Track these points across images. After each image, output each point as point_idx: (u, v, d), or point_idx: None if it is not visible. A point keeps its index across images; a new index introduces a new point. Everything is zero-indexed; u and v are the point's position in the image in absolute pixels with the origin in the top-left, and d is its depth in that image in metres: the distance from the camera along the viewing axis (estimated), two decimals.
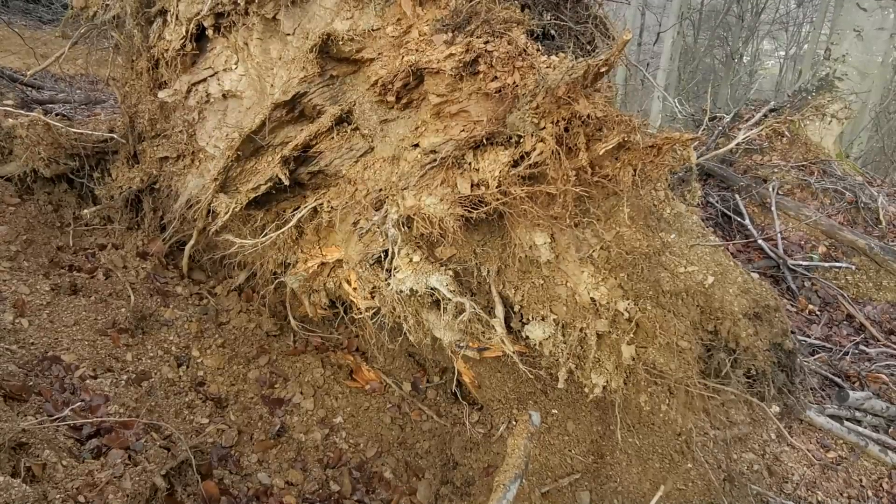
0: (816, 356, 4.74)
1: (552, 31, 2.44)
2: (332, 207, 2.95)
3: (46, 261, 3.39)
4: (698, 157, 6.56)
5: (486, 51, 2.23)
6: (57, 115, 3.98)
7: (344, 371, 3.64)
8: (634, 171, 2.09)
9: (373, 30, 2.58)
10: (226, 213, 2.99)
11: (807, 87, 6.68)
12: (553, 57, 2.25)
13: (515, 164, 2.22)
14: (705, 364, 2.26)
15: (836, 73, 6.43)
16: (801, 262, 5.49)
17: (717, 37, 24.47)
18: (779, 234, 5.75)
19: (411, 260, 2.49)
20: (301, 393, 3.41)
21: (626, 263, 2.26)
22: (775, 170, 6.22)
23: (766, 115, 6.87)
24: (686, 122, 8.47)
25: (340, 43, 2.52)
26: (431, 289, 2.46)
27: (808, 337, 5.01)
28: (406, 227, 2.35)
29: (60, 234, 3.60)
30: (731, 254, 5.93)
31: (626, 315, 2.35)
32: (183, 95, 3.22)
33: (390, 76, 2.47)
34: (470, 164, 2.29)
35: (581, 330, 2.50)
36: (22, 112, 3.04)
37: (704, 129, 7.63)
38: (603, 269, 2.35)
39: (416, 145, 2.44)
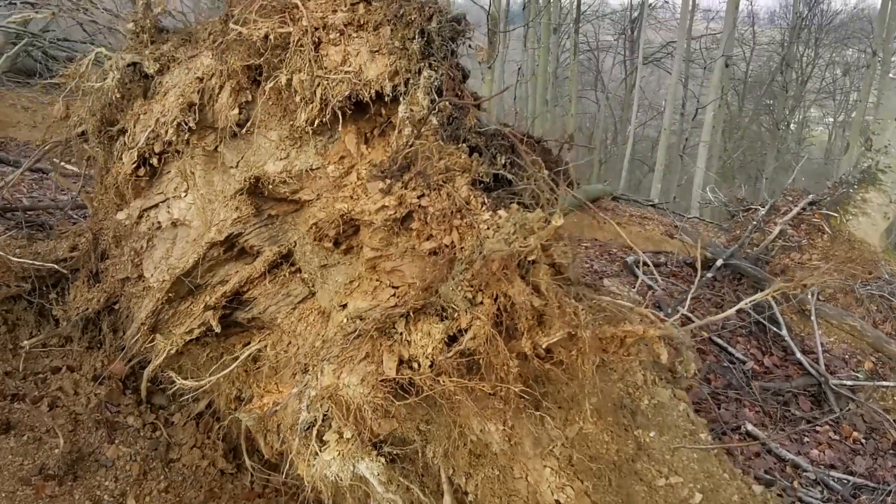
0: (858, 499, 4.04)
1: (508, 176, 2.12)
2: (276, 352, 2.62)
3: None
4: (729, 256, 6.03)
5: (419, 206, 1.91)
6: (31, 225, 3.87)
7: None
8: (594, 361, 1.69)
9: (311, 169, 2.31)
10: (162, 356, 2.70)
11: (848, 180, 6.14)
12: (501, 212, 1.91)
13: (453, 339, 1.84)
14: None
15: (878, 165, 5.89)
16: (844, 382, 4.82)
17: (762, 105, 24.05)
18: (819, 347, 5.10)
19: (341, 436, 2.10)
20: None
21: (590, 472, 1.81)
22: (814, 272, 5.62)
23: (804, 209, 6.33)
24: (719, 210, 7.97)
25: (271, 186, 2.25)
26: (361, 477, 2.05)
27: (852, 474, 4.31)
28: (323, 410, 1.98)
29: (13, 356, 3.39)
30: (767, 368, 5.29)
31: None
32: (134, 221, 3.01)
33: (325, 222, 2.17)
34: (401, 334, 1.92)
35: None
36: None
37: (739, 221, 7.12)
38: (566, 470, 1.90)
39: (345, 305, 2.11)
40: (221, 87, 2.50)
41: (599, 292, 2.04)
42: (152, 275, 2.92)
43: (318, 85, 2.13)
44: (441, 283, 1.83)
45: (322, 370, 1.97)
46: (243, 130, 2.44)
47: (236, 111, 2.47)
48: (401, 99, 2.10)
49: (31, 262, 3.04)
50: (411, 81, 2.10)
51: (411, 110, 2.10)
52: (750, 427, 4.54)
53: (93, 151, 3.46)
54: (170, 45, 2.88)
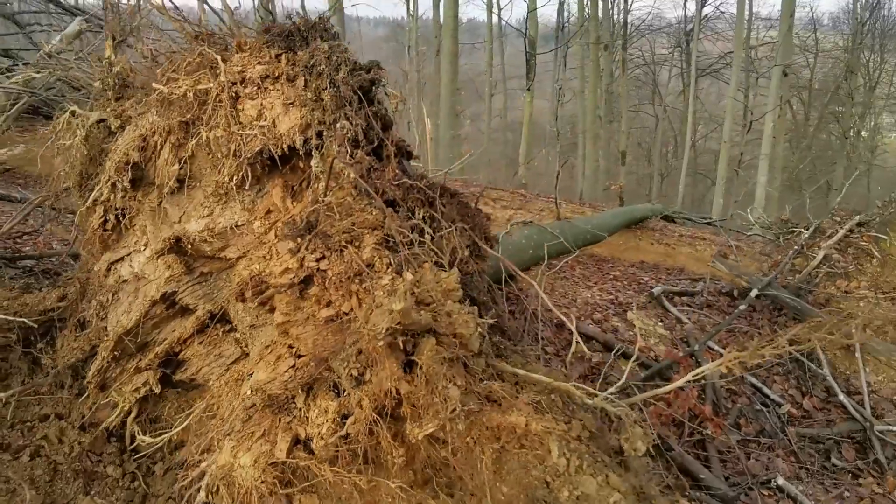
0: None
1: (429, 229, 1.95)
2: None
3: None
4: (765, 286, 5.55)
5: (318, 269, 1.78)
6: (34, 273, 4.01)
7: None
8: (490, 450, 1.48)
9: (237, 226, 2.23)
10: (117, 415, 2.68)
11: None
12: (407, 274, 1.74)
13: (346, 417, 1.68)
14: None
15: None
16: (891, 427, 4.29)
17: (830, 112, 22.62)
18: (865, 387, 4.57)
19: None
20: None
21: None
22: (862, 302, 5.07)
23: (851, 231, 5.75)
24: (765, 234, 7.40)
25: (191, 246, 2.18)
26: None
27: None
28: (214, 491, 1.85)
29: (3, 405, 3.48)
30: (806, 411, 4.78)
31: None
32: (103, 274, 3.03)
33: (243, 283, 2.08)
34: (301, 409, 1.78)
35: None
36: None
37: (780, 245, 6.58)
38: None
39: (252, 374, 2.00)
40: (163, 144, 2.47)
41: (528, 359, 1.82)
42: (112, 329, 2.92)
43: (232, 141, 2.05)
44: (335, 356, 1.69)
45: (223, 447, 1.85)
46: (177, 185, 2.40)
47: (176, 167, 2.43)
48: (313, 153, 1.99)
49: (10, 317, 3.10)
50: (325, 133, 1.99)
51: (329, 163, 1.99)
52: (781, 481, 4.09)
53: (77, 205, 3.56)
54: (130, 102, 2.91)
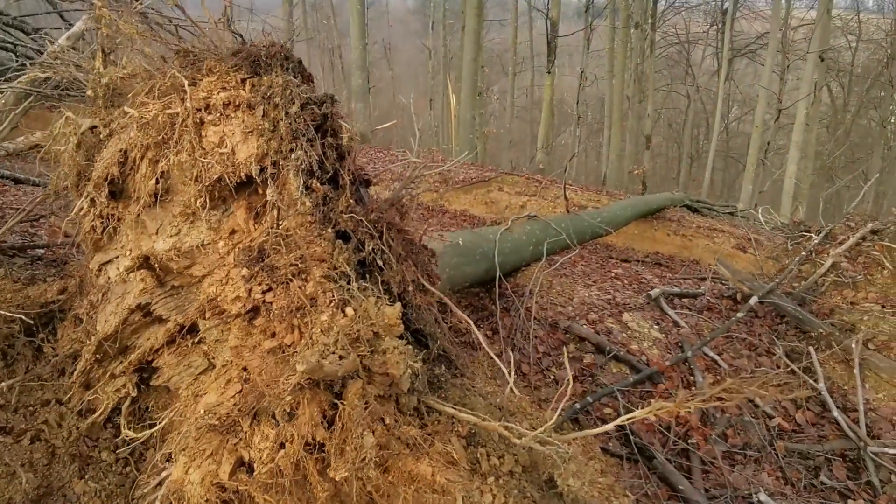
0: None
1: (379, 262, 2.00)
2: None
3: None
4: (766, 293, 5.46)
5: (264, 301, 1.85)
6: (39, 261, 4.19)
7: None
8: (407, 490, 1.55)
9: (203, 245, 2.31)
10: (101, 413, 2.83)
11: None
12: (348, 310, 1.81)
13: (284, 445, 1.77)
14: None
15: None
16: (885, 449, 4.23)
17: (871, 98, 21.75)
18: (861, 404, 4.50)
19: None
20: None
21: None
22: (867, 315, 4.96)
23: (863, 239, 5.60)
24: (775, 236, 7.23)
25: (157, 265, 2.28)
26: None
27: None
28: None
29: (7, 390, 3.69)
30: (798, 426, 4.74)
31: None
32: (95, 274, 3.17)
33: (203, 304, 2.17)
34: (246, 433, 1.87)
35: None
36: None
37: (788, 250, 6.45)
38: None
39: (206, 393, 2.09)
40: (141, 160, 2.56)
41: (467, 392, 1.87)
42: (102, 328, 3.07)
43: (195, 166, 2.12)
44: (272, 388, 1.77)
45: (177, 460, 1.96)
46: (153, 200, 2.48)
47: (153, 183, 2.51)
48: (269, 182, 2.05)
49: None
50: (281, 163, 2.04)
51: (282, 192, 2.04)
52: (763, 497, 4.09)
53: (76, 203, 3.69)
54: (118, 112, 2.99)
